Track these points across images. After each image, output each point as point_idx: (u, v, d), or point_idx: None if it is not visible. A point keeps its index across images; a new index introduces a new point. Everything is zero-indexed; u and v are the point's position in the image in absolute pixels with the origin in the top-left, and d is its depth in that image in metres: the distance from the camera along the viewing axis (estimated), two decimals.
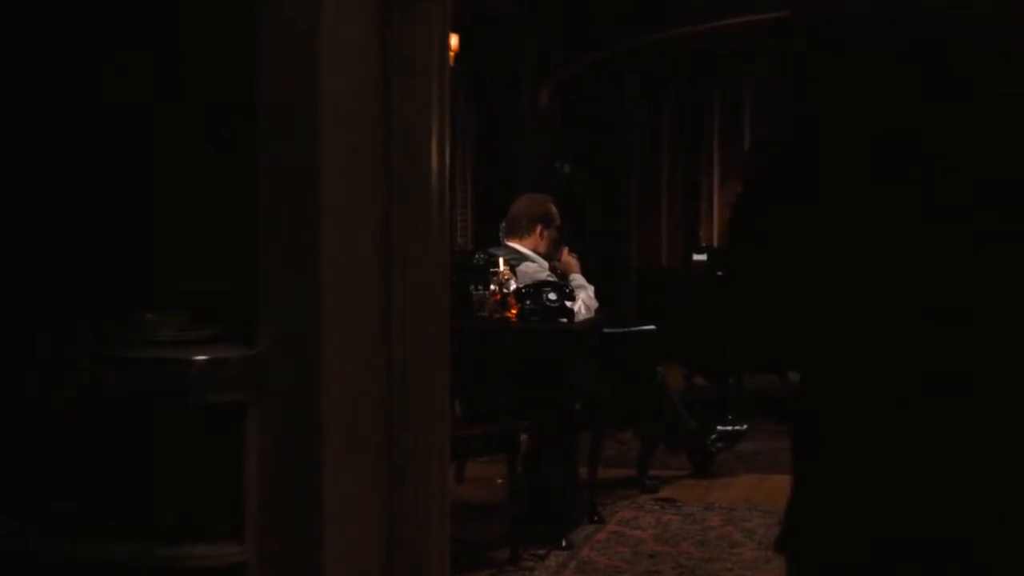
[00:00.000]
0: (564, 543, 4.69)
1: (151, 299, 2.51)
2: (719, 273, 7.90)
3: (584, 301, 4.95)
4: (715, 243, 10.01)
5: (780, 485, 6.05)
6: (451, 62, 5.86)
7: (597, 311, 5.03)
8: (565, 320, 4.73)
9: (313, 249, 2.41)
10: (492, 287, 4.77)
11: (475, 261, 4.86)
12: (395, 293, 2.64)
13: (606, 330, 4.99)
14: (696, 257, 8.19)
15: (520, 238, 5.21)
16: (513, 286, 4.80)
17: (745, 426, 6.13)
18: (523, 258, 5.10)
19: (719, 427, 6.03)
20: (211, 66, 2.49)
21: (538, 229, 5.21)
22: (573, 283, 5.07)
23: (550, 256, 5.24)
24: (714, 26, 8.68)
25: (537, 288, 4.79)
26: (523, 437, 4.54)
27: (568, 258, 5.29)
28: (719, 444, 5.98)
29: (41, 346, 2.42)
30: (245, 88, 2.39)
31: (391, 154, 2.62)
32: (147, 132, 2.54)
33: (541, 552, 4.61)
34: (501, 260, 4.87)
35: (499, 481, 5.35)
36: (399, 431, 2.61)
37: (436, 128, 2.68)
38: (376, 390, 2.60)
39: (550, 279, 5.01)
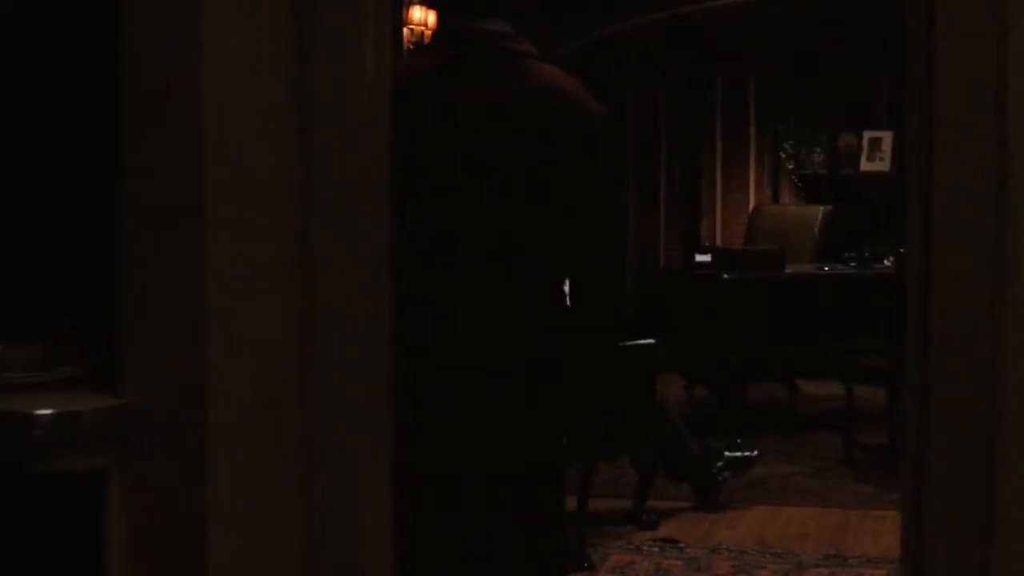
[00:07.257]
0: None
1: None
2: (725, 276, 7.11)
3: None
4: (718, 242, 9.33)
5: (794, 520, 5.38)
6: (427, 42, 5.21)
7: None
8: None
9: (196, 261, 1.79)
10: None
11: None
12: (320, 315, 2.00)
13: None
14: (699, 258, 7.49)
15: None
16: None
17: (755, 452, 5.41)
18: None
19: (726, 453, 5.31)
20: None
21: None
22: None
23: None
24: (714, 6, 8.21)
25: None
26: None
27: None
28: (726, 473, 5.28)
29: None
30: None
31: (313, 130, 1.97)
32: None
33: None
34: None
35: None
36: (321, 504, 1.96)
37: (373, 101, 2.03)
38: (289, 448, 1.95)
39: None
